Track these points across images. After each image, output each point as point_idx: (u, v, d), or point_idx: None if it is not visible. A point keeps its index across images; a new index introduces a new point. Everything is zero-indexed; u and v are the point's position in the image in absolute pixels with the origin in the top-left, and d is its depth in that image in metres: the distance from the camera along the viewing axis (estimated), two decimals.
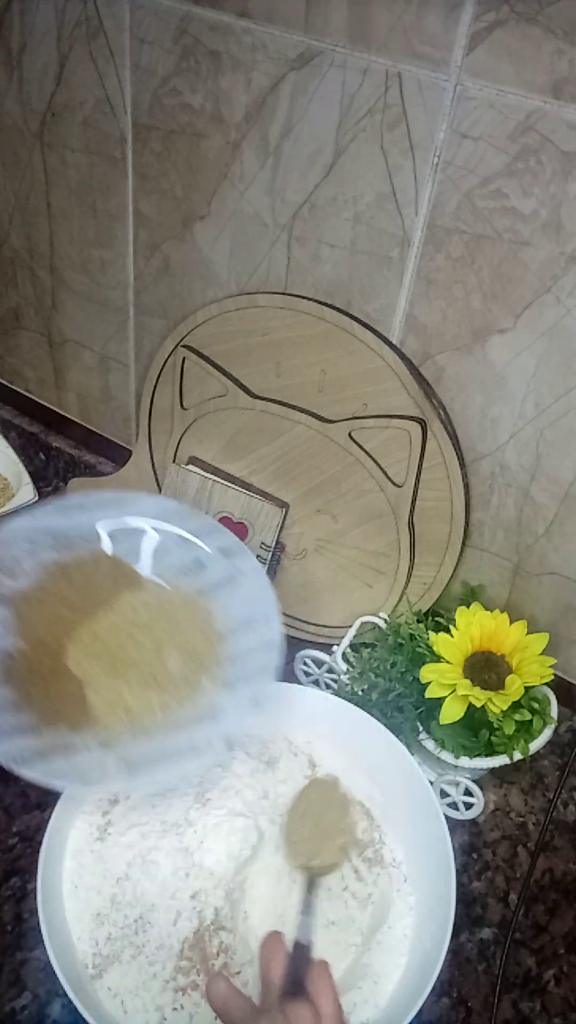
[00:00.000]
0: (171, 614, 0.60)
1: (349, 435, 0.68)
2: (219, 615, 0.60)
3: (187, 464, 0.78)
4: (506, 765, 0.63)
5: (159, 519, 0.65)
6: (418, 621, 0.70)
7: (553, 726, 0.64)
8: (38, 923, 0.51)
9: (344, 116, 0.57)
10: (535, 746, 0.63)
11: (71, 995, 0.49)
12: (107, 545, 0.64)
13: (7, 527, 0.63)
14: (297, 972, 0.47)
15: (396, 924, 0.57)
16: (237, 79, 0.60)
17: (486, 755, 0.64)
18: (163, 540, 0.64)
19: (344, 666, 0.70)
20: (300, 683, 0.75)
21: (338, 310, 0.64)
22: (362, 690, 0.67)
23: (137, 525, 0.64)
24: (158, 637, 0.59)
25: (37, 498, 0.83)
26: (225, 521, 0.75)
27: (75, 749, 0.53)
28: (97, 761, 0.53)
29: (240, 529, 0.75)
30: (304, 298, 0.65)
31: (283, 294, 0.67)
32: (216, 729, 0.54)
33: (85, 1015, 0.48)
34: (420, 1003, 0.50)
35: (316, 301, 0.65)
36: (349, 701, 0.65)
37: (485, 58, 0.51)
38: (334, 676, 0.73)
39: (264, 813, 0.61)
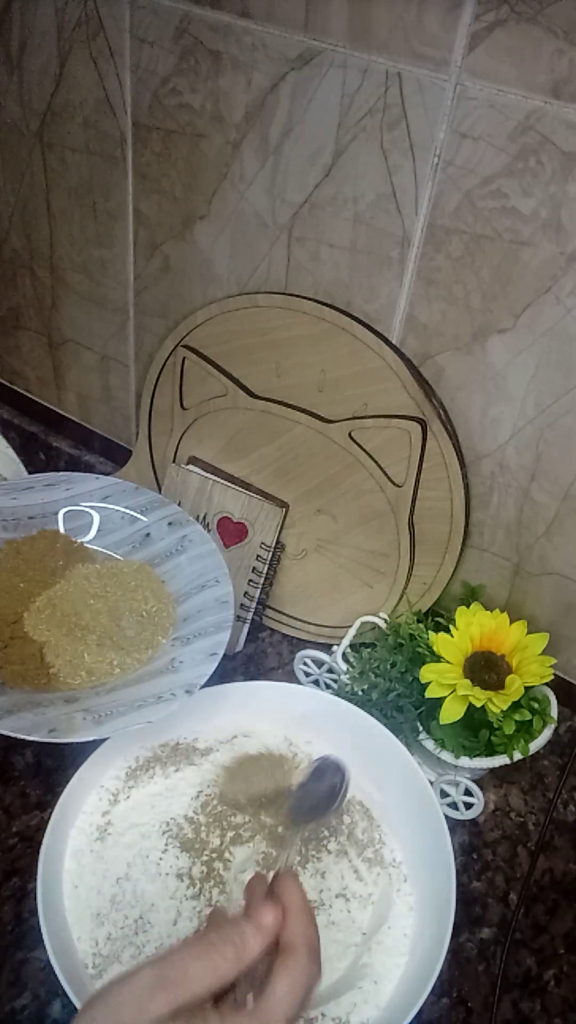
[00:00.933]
0: (124, 582, 0.65)
1: (349, 435, 0.68)
2: (171, 580, 0.65)
3: (187, 464, 0.78)
4: (506, 765, 0.63)
5: (105, 499, 0.70)
6: (418, 621, 0.70)
7: (553, 726, 0.64)
8: (38, 923, 0.51)
9: (344, 116, 0.57)
10: (535, 746, 0.63)
11: (71, 995, 0.49)
12: (59, 523, 0.69)
13: None
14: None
15: (396, 924, 0.57)
16: (237, 79, 0.60)
17: (486, 755, 0.64)
18: (110, 516, 0.70)
19: (344, 666, 0.70)
20: (300, 683, 0.75)
21: (338, 310, 0.64)
22: (362, 690, 0.67)
23: (84, 505, 0.70)
24: (113, 603, 0.64)
25: None
26: (225, 521, 0.75)
27: (42, 705, 0.56)
28: (64, 714, 0.55)
29: (240, 529, 0.75)
30: (304, 298, 0.65)
31: (283, 294, 0.67)
32: (176, 679, 0.58)
33: None
34: (420, 1003, 0.50)
35: (316, 301, 0.65)
36: (349, 701, 0.65)
37: (485, 58, 0.51)
38: (334, 676, 0.73)
39: (266, 812, 0.61)
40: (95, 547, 0.69)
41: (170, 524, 0.67)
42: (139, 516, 0.68)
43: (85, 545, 0.69)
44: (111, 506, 0.69)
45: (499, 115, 0.52)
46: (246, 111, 0.61)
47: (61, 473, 0.72)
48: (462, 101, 0.53)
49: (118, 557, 0.68)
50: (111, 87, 0.66)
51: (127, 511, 0.69)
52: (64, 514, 0.70)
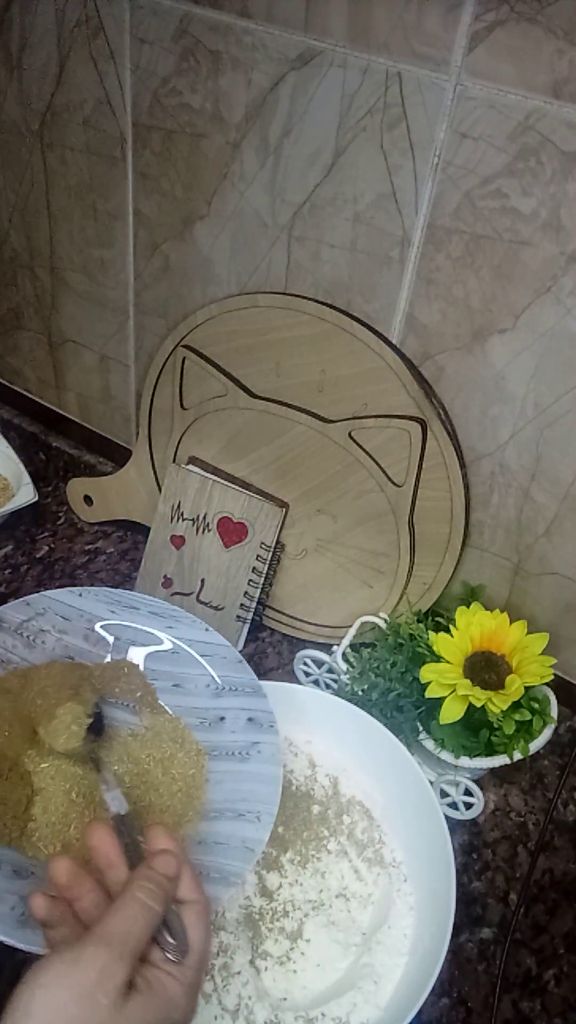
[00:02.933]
0: (168, 764, 0.55)
1: (349, 435, 0.68)
2: (214, 788, 0.54)
3: (187, 464, 0.78)
4: (506, 765, 0.63)
5: (203, 655, 0.60)
6: (418, 621, 0.70)
7: (553, 726, 0.64)
8: None
9: (344, 116, 0.57)
10: (535, 746, 0.63)
11: None
12: (142, 660, 0.61)
13: (48, 593, 0.60)
14: (130, 842, 0.46)
15: (396, 924, 0.57)
16: (237, 79, 0.60)
17: (486, 755, 0.64)
18: (199, 677, 0.60)
19: (344, 666, 0.70)
20: (300, 683, 0.75)
21: (338, 310, 0.64)
22: (362, 690, 0.67)
23: (183, 650, 0.60)
24: (142, 781, 0.54)
25: (37, 498, 0.83)
26: (225, 521, 0.75)
27: None
28: (3, 888, 0.47)
29: (240, 529, 0.75)
30: (304, 298, 0.65)
31: (283, 294, 0.67)
32: None
33: None
34: (420, 1003, 0.50)
35: (316, 301, 0.65)
36: (349, 701, 0.65)
37: (485, 58, 0.51)
38: (334, 676, 0.73)
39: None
40: (163, 702, 0.59)
41: (250, 720, 0.56)
42: (225, 694, 0.58)
43: (156, 696, 0.60)
44: (207, 668, 0.59)
45: (499, 115, 0.52)
46: (246, 111, 0.61)
47: (173, 607, 0.62)
48: (462, 101, 0.53)
49: (181, 726, 0.58)
50: (111, 87, 0.66)
51: (217, 680, 0.59)
52: (150, 650, 0.61)
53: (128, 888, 0.41)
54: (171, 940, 0.41)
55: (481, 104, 0.52)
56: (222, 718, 0.57)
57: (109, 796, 0.50)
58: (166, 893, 0.42)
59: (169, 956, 0.40)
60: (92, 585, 0.81)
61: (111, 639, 0.61)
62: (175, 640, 0.61)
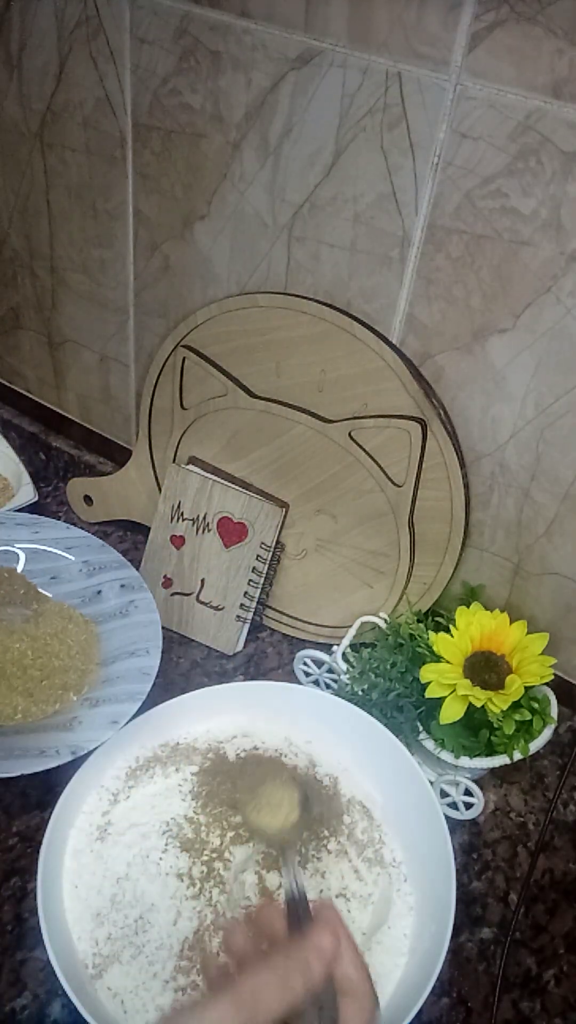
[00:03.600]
0: (63, 635, 0.65)
1: (349, 435, 0.68)
2: (106, 641, 0.65)
3: (187, 464, 0.78)
4: (506, 765, 0.63)
5: (68, 549, 0.71)
6: (418, 621, 0.70)
7: (553, 726, 0.64)
8: (38, 923, 0.51)
9: (344, 116, 0.57)
10: (535, 746, 0.63)
11: (71, 995, 0.49)
12: (21, 563, 0.70)
13: None
14: (299, 924, 0.45)
15: (396, 924, 0.57)
16: (237, 79, 0.60)
17: (486, 755, 0.64)
18: (69, 566, 0.70)
19: (344, 666, 0.70)
20: (300, 683, 0.75)
21: (338, 310, 0.64)
22: (362, 690, 0.67)
23: (50, 550, 0.71)
24: (40, 648, 0.64)
25: (37, 498, 0.83)
26: (225, 521, 0.75)
27: None
28: None
29: (240, 529, 0.75)
30: (304, 298, 0.65)
31: (283, 294, 0.67)
32: (66, 737, 0.57)
33: (85, 1015, 0.48)
34: (420, 1003, 0.50)
35: (316, 301, 0.65)
36: (349, 701, 0.65)
37: (485, 58, 0.51)
38: (334, 676, 0.73)
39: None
40: (46, 592, 0.69)
41: (122, 586, 0.67)
42: (95, 572, 0.69)
43: (41, 590, 0.69)
44: (72, 557, 0.70)
45: (499, 115, 0.52)
46: (246, 111, 0.61)
47: (32, 515, 0.72)
48: (462, 101, 0.53)
49: (67, 608, 0.68)
50: (111, 87, 0.66)
51: (85, 564, 0.70)
52: (25, 552, 0.71)
53: (273, 955, 0.40)
54: (312, 1012, 0.39)
55: (481, 104, 0.52)
56: (99, 591, 0.68)
57: (287, 880, 0.50)
58: (310, 969, 0.39)
59: None
60: None
61: None
62: (43, 542, 0.70)
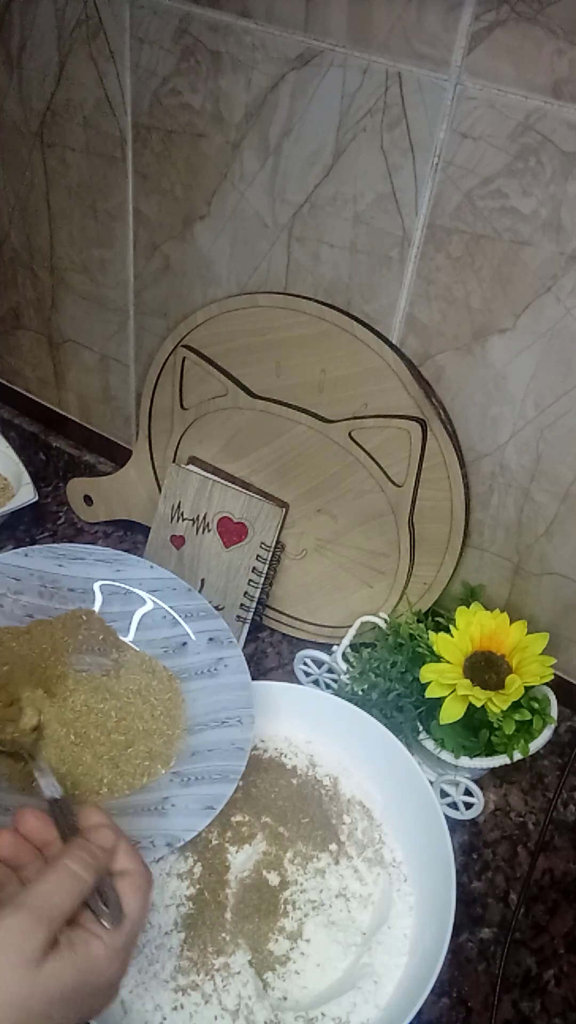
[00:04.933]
0: (146, 693, 0.59)
1: (349, 435, 0.68)
2: (191, 705, 0.58)
3: (187, 464, 0.78)
4: (506, 765, 0.63)
5: (153, 592, 0.63)
6: (418, 621, 0.70)
7: (553, 726, 0.64)
8: None
9: (344, 116, 0.57)
10: (535, 746, 0.63)
11: None
12: (98, 603, 0.63)
13: None
14: (67, 827, 0.46)
15: (396, 924, 0.57)
16: (237, 79, 0.60)
17: (486, 755, 0.64)
18: (153, 611, 0.63)
19: (344, 666, 0.70)
20: (300, 683, 0.75)
21: (338, 310, 0.64)
22: (362, 690, 0.67)
23: (131, 590, 0.63)
24: (127, 713, 0.57)
25: (37, 498, 0.83)
26: (225, 521, 0.75)
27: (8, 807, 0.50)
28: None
29: (240, 529, 0.75)
30: (304, 298, 0.65)
31: (283, 294, 0.67)
32: (161, 824, 0.51)
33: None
34: (420, 1003, 0.50)
35: (316, 301, 0.65)
36: (349, 701, 0.65)
37: (485, 58, 0.51)
38: (334, 676, 0.73)
39: (267, 812, 0.61)
40: (127, 640, 0.62)
41: (211, 640, 0.60)
42: (181, 621, 0.61)
43: (119, 637, 0.62)
44: (158, 600, 0.62)
45: (499, 115, 0.52)
46: (246, 111, 0.61)
47: (117, 551, 0.64)
48: (462, 101, 0.53)
49: (148, 658, 0.61)
50: (111, 87, 0.66)
51: (171, 612, 0.62)
52: (103, 592, 0.63)
53: (58, 857, 0.42)
54: (104, 908, 0.42)
55: (481, 104, 0.52)
56: (184, 643, 0.61)
57: (43, 782, 0.50)
58: (98, 863, 0.42)
59: (102, 922, 0.41)
60: None
61: (67, 591, 0.63)
62: (125, 582, 0.63)
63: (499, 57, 0.50)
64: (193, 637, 0.61)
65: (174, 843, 0.50)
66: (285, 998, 0.54)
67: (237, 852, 0.59)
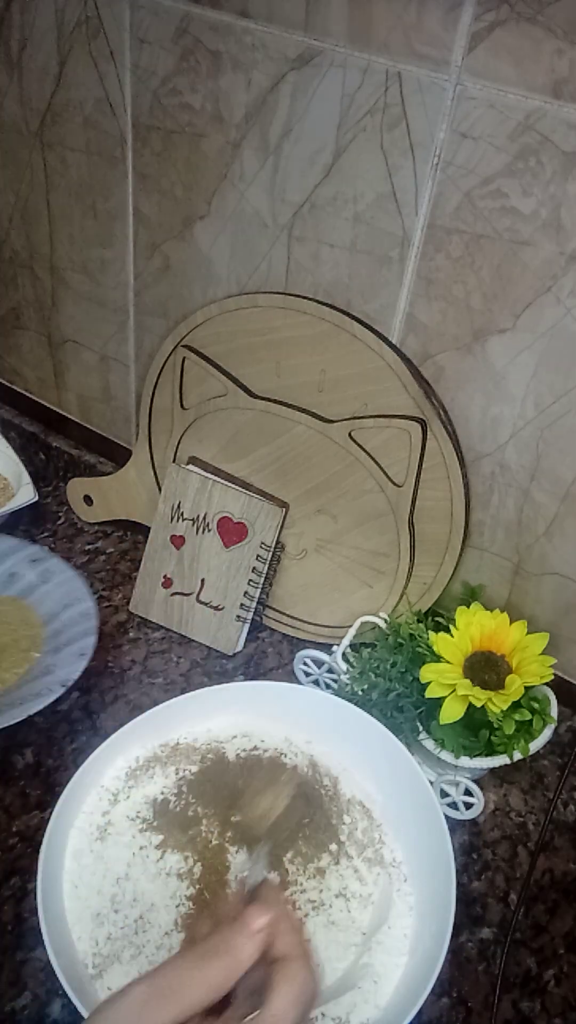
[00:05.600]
0: (2, 617, 0.72)
1: (349, 435, 0.68)
2: (40, 605, 0.73)
3: (187, 464, 0.78)
4: (506, 765, 0.63)
5: None
6: (418, 621, 0.70)
7: (553, 726, 0.64)
8: (38, 923, 0.51)
9: (344, 116, 0.57)
10: (535, 746, 0.63)
11: (71, 995, 0.49)
12: None
13: None
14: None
15: (396, 924, 0.57)
16: (237, 79, 0.60)
17: (486, 755, 0.64)
18: None
19: (344, 666, 0.70)
20: (300, 683, 0.75)
21: (338, 310, 0.64)
22: (362, 690, 0.67)
23: None
24: None
25: (37, 498, 0.83)
26: (225, 521, 0.75)
27: None
28: None
29: (240, 529, 0.75)
30: (304, 298, 0.65)
31: (283, 294, 0.67)
32: (52, 679, 0.66)
33: (85, 1015, 0.48)
34: (420, 1003, 0.50)
35: (316, 301, 0.65)
36: (349, 701, 0.65)
37: (485, 58, 0.51)
38: (334, 676, 0.73)
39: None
40: None
41: (33, 561, 0.75)
42: (1, 559, 0.76)
43: None
44: None
45: (499, 115, 0.52)
46: (246, 111, 0.61)
47: None
48: (462, 101, 0.53)
49: None
50: (111, 87, 0.66)
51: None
52: None
53: (199, 939, 0.38)
54: (243, 995, 0.37)
55: (481, 104, 0.52)
56: (12, 573, 0.76)
57: (255, 868, 0.48)
58: (232, 962, 0.37)
59: (235, 1011, 0.37)
60: (92, 586, 0.81)
61: None
62: None
63: (499, 57, 0.50)
64: (17, 566, 0.76)
65: (66, 683, 0.65)
66: None
67: (237, 852, 0.59)
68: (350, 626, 0.73)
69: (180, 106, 0.64)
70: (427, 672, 0.62)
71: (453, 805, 0.67)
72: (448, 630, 0.65)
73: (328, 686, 0.74)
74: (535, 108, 0.51)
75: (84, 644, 0.68)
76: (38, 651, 0.69)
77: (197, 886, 0.57)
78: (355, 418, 0.67)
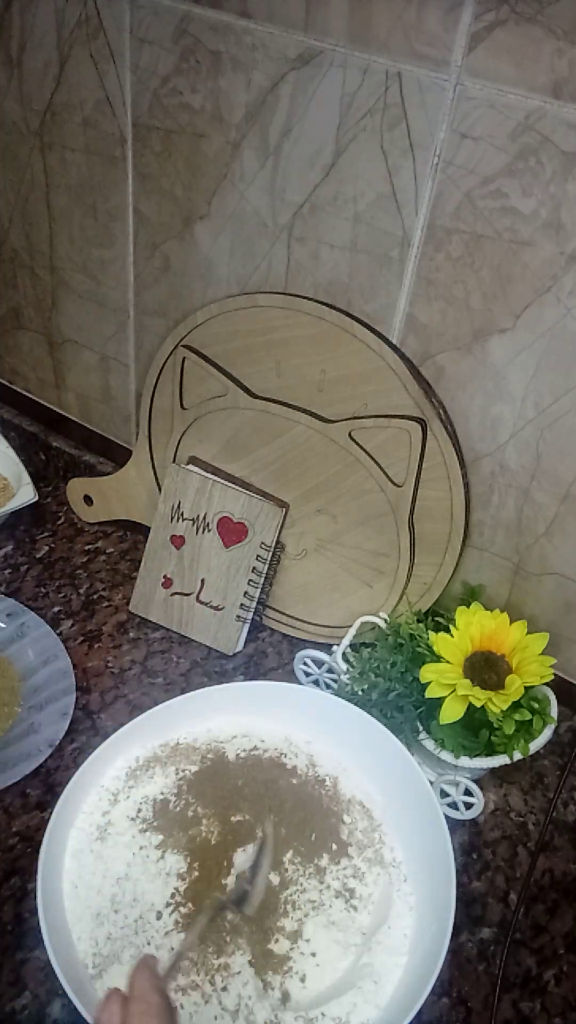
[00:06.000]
0: None
1: (349, 435, 0.68)
2: (17, 660, 0.74)
3: (187, 464, 0.78)
4: (506, 765, 0.63)
5: None
6: (418, 621, 0.69)
7: (553, 726, 0.64)
8: (38, 923, 0.51)
9: (344, 116, 0.57)
10: (535, 746, 0.63)
11: (71, 995, 0.49)
12: None
13: None
14: None
15: (396, 924, 0.57)
16: (237, 79, 0.60)
17: (486, 755, 0.64)
18: None
19: (344, 666, 0.70)
20: (300, 683, 0.75)
21: (338, 310, 0.64)
22: (362, 690, 0.67)
23: None
24: None
25: (37, 498, 0.83)
26: (225, 521, 0.75)
27: None
28: None
29: (240, 529, 0.75)
30: (304, 298, 0.65)
31: (283, 294, 0.67)
32: (38, 738, 0.67)
33: (85, 1015, 0.48)
34: (420, 1003, 0.50)
35: (316, 301, 0.65)
36: (349, 701, 0.65)
37: (485, 58, 0.51)
38: (334, 676, 0.73)
39: (267, 812, 0.61)
40: None
41: (8, 615, 0.76)
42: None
43: None
44: None
45: (499, 115, 0.52)
46: (246, 111, 0.61)
47: None
48: (462, 101, 0.53)
49: None
50: (111, 87, 0.66)
51: None
52: None
53: None
54: None
55: (481, 104, 0.52)
56: None
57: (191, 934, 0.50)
58: None
59: None
60: (92, 586, 0.81)
61: None
62: None
63: (499, 57, 0.50)
64: None
65: (53, 743, 0.67)
66: (285, 998, 0.54)
67: (237, 852, 0.59)
68: (350, 626, 0.73)
69: (180, 106, 0.64)
70: (427, 672, 0.62)
71: (453, 805, 0.67)
72: (448, 630, 0.65)
73: (328, 686, 0.74)
74: (535, 108, 0.51)
75: (65, 703, 0.70)
76: (18, 706, 0.71)
77: (197, 886, 0.57)
78: (355, 418, 0.67)
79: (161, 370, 0.76)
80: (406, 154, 0.56)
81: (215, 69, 0.60)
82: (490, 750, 0.64)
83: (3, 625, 0.76)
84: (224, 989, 0.53)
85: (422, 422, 0.64)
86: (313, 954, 0.55)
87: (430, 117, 0.54)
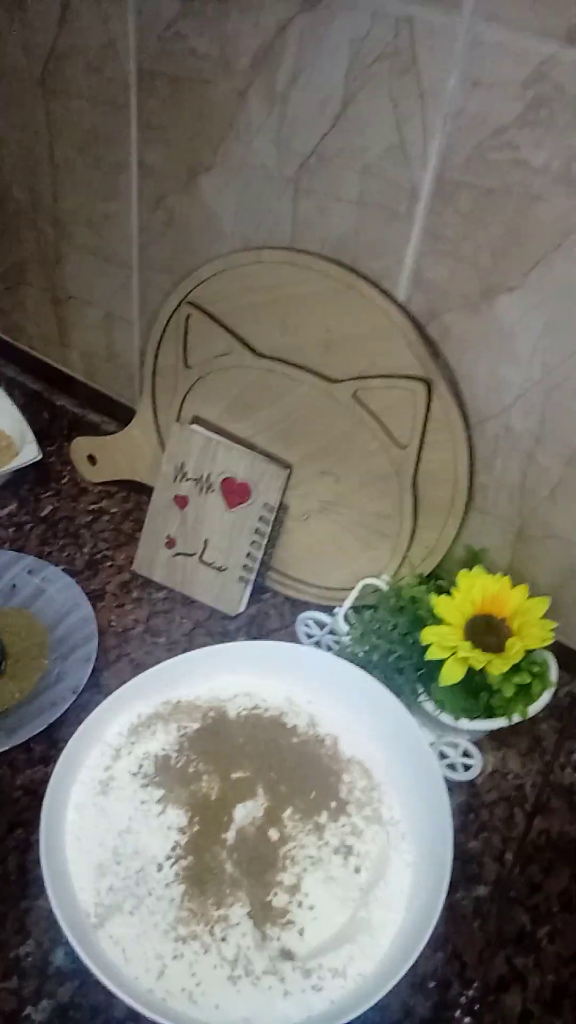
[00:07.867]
0: (7, 628, 0.75)
1: (354, 395, 0.67)
2: (42, 613, 0.76)
3: (191, 423, 0.77)
4: (505, 728, 0.64)
5: None
6: (420, 584, 0.69)
7: (552, 690, 0.65)
8: (41, 873, 0.52)
9: (352, 62, 0.55)
10: (534, 709, 0.64)
11: (73, 943, 0.50)
12: None
13: None
14: None
15: (394, 880, 0.58)
16: (244, 22, 0.58)
17: (485, 717, 0.64)
18: None
19: (345, 627, 0.70)
20: (302, 644, 0.75)
21: (344, 266, 0.63)
22: (363, 651, 0.67)
23: None
24: (9, 644, 0.73)
25: (41, 456, 0.83)
26: (229, 482, 0.75)
27: None
28: None
29: (243, 489, 0.74)
30: (310, 254, 0.64)
31: (289, 249, 0.65)
32: (63, 687, 0.69)
33: (87, 962, 0.50)
34: (415, 956, 0.51)
35: (322, 257, 0.64)
36: (350, 662, 0.65)
37: (499, 1, 0.49)
38: (336, 637, 0.73)
39: (267, 770, 0.61)
40: None
41: (29, 572, 0.77)
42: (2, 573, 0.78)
43: None
44: None
45: (512, 61, 0.50)
46: (253, 57, 0.59)
47: None
48: (474, 47, 0.51)
49: None
50: (116, 31, 0.64)
51: None
52: None
53: None
54: None
55: (493, 50, 0.50)
56: (13, 585, 0.77)
57: None
58: None
59: None
60: (95, 546, 0.81)
61: None
62: None
63: (514, 0, 0.48)
64: (16, 579, 0.78)
65: (77, 690, 0.68)
66: (283, 949, 0.55)
67: (237, 808, 0.60)
68: (352, 588, 0.73)
69: (186, 51, 0.62)
70: (428, 634, 0.62)
71: (452, 766, 0.67)
72: (450, 593, 0.65)
73: (329, 648, 0.74)
74: (550, 55, 0.49)
75: (88, 649, 0.71)
76: (46, 658, 0.73)
77: (198, 840, 0.58)
78: (360, 378, 0.66)
79: (165, 327, 0.75)
80: (416, 103, 0.54)
81: (221, 11, 0.58)
82: (489, 713, 0.64)
83: (27, 582, 0.77)
84: (223, 939, 0.54)
85: (427, 383, 0.63)
86: (311, 908, 0.56)
87: (441, 64, 0.52)
